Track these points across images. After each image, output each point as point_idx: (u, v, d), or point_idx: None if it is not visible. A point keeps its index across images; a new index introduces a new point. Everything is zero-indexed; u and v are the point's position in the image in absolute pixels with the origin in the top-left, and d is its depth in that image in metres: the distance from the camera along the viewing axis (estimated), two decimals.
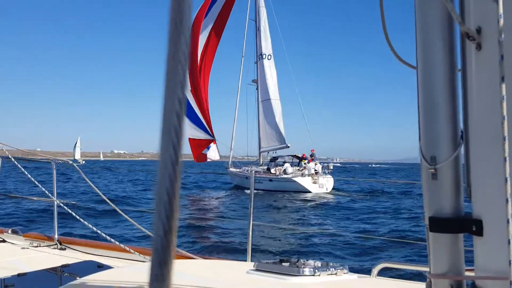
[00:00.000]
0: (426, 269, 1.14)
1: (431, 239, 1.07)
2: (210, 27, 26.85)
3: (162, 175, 0.45)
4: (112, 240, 3.76)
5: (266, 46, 31.60)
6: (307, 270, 2.20)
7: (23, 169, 4.68)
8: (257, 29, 31.92)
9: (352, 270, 2.42)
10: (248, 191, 24.76)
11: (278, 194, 23.63)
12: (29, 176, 4.53)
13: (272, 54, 31.48)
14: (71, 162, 4.84)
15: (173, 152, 0.45)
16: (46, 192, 4.37)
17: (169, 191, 0.45)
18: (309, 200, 21.67)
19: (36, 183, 4.43)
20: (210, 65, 27.64)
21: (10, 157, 4.43)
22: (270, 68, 31.43)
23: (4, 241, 4.20)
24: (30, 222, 14.00)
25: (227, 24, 27.35)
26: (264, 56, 31.35)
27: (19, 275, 2.92)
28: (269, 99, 30.91)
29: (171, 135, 0.45)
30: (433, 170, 1.04)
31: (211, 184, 32.87)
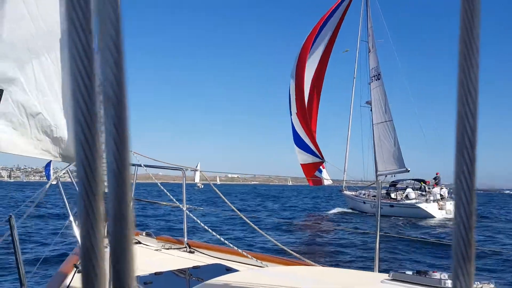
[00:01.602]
0: None
1: None
2: (320, 49, 27.04)
3: (458, 202, 0.47)
4: (231, 245, 4.02)
5: (379, 66, 30.64)
6: (449, 282, 2.04)
7: (155, 179, 4.97)
8: (369, 50, 31.21)
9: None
10: (368, 214, 23.99)
11: (400, 219, 21.91)
12: (160, 185, 4.85)
13: (381, 74, 30.34)
14: (199, 170, 5.16)
15: (467, 179, 0.47)
16: (172, 198, 4.68)
17: (465, 221, 0.46)
18: (440, 226, 19.91)
19: (165, 191, 4.73)
20: (320, 88, 27.62)
21: (142, 165, 4.67)
22: (383, 88, 30.27)
23: (139, 242, 4.50)
24: (161, 226, 15.46)
25: (338, 47, 27.31)
26: (378, 77, 30.37)
27: (156, 273, 3.15)
28: (385, 121, 29.71)
29: (464, 165, 0.46)
30: None
31: (323, 207, 32.48)
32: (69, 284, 3.14)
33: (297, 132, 26.96)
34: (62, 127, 4.29)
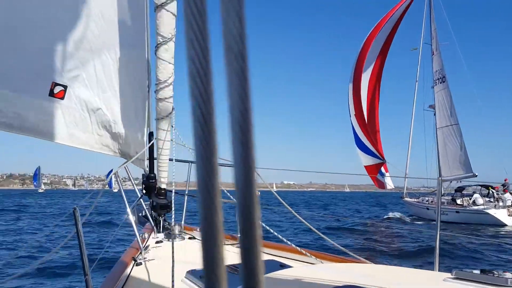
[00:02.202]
0: None
1: None
2: (378, 50, 26.85)
3: None
4: (289, 242, 3.93)
5: (443, 69, 29.31)
6: None
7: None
8: (432, 53, 29.99)
9: None
10: (433, 223, 22.88)
11: (467, 226, 20.66)
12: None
13: (445, 76, 28.96)
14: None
15: None
16: (227, 193, 4.66)
17: None
18: None
19: (222, 188, 4.71)
20: (378, 88, 27.20)
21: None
22: (449, 91, 28.89)
23: (194, 238, 4.55)
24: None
25: (399, 50, 26.82)
26: (442, 80, 29.07)
27: None
28: (450, 125, 28.33)
29: None
30: None
31: (381, 213, 31.54)
32: (128, 275, 3.18)
33: (356, 133, 26.78)
34: (120, 123, 4.37)
